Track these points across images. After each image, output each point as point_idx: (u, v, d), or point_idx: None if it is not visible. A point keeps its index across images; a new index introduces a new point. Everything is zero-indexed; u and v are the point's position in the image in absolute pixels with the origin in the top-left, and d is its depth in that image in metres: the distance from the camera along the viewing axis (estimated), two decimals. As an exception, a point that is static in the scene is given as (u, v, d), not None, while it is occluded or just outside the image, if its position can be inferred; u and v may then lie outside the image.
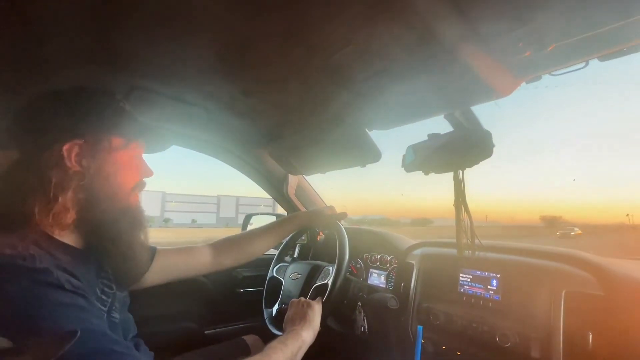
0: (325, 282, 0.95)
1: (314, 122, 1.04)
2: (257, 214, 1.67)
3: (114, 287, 0.59)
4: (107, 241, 0.57)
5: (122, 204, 0.58)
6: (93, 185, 0.54)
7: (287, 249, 1.24)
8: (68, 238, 0.53)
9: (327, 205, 1.23)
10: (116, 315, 0.56)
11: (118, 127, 0.58)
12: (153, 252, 0.77)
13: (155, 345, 0.78)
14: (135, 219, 0.61)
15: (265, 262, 1.27)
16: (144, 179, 0.64)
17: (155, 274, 0.77)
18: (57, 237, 0.51)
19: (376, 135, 1.02)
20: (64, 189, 0.51)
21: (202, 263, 0.86)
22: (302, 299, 0.86)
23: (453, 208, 0.83)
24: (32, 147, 0.52)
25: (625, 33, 0.54)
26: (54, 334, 0.39)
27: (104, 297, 0.55)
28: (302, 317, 0.78)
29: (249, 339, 1.05)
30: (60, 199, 0.50)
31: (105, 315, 0.54)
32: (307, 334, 0.73)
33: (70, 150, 0.52)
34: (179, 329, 1.21)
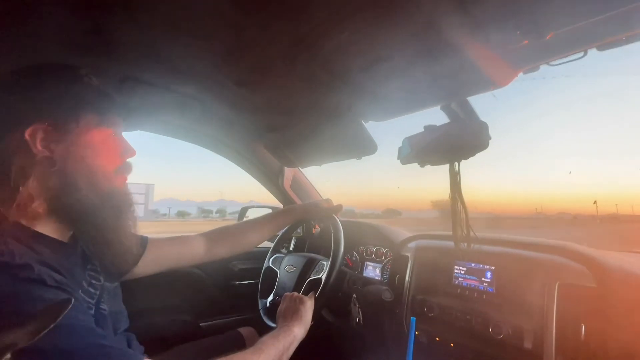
0: (319, 276, 0.95)
1: (309, 114, 1.03)
2: (253, 206, 1.66)
3: (102, 278, 0.58)
4: (91, 229, 0.53)
5: (104, 189, 0.53)
6: (65, 170, 0.50)
7: (282, 242, 1.24)
8: (48, 229, 0.51)
9: (324, 198, 1.22)
10: (105, 307, 0.55)
11: (87, 104, 0.54)
12: (145, 242, 0.76)
13: (151, 337, 0.78)
14: (120, 205, 0.56)
15: (261, 255, 1.27)
16: (127, 160, 0.60)
17: (148, 264, 0.76)
18: (38, 229, 0.49)
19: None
20: (27, 177, 0.47)
21: (195, 253, 0.86)
22: (295, 293, 0.86)
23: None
24: None
25: (624, 21, 0.52)
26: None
27: (91, 289, 0.54)
28: (294, 312, 0.78)
29: (245, 331, 1.05)
30: (22, 189, 0.47)
31: (94, 308, 0.53)
32: (299, 329, 0.74)
33: (34, 135, 0.48)
34: (175, 321, 1.21)
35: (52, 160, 0.49)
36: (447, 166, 0.82)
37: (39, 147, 0.48)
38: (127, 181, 0.60)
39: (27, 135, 0.48)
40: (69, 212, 0.51)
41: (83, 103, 0.53)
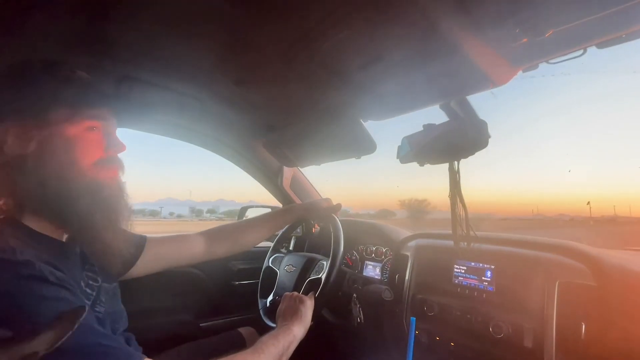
0: (319, 276, 0.95)
1: (308, 113, 1.03)
2: (252, 206, 1.66)
3: (100, 279, 0.58)
4: (74, 228, 0.52)
5: (80, 183, 0.51)
6: (39, 167, 0.49)
7: (282, 241, 1.24)
8: (46, 229, 0.51)
9: (323, 197, 1.22)
10: (100, 309, 0.55)
11: (60, 98, 0.52)
12: (143, 241, 0.76)
13: (151, 337, 0.78)
14: (104, 199, 0.54)
15: (261, 255, 1.26)
16: (113, 155, 0.57)
17: (147, 263, 0.76)
18: (35, 228, 0.50)
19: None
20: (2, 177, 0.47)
21: (194, 252, 0.86)
22: (295, 293, 0.85)
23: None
24: None
25: (624, 19, 0.52)
26: (40, 328, 0.38)
27: (88, 290, 0.54)
28: (294, 312, 0.78)
29: (245, 331, 1.05)
30: None
31: (90, 310, 0.53)
32: (298, 329, 0.73)
33: (4, 134, 0.48)
34: (175, 321, 1.21)
35: (25, 157, 0.49)
36: (445, 165, 0.82)
37: (11, 145, 0.48)
38: (118, 177, 0.58)
39: None
40: (51, 208, 0.50)
41: (55, 98, 0.52)
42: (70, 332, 0.36)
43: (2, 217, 0.47)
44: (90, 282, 0.56)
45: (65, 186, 0.50)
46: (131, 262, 0.72)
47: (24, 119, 0.49)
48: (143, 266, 0.75)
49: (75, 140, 0.52)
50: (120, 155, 0.59)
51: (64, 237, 0.54)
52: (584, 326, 0.65)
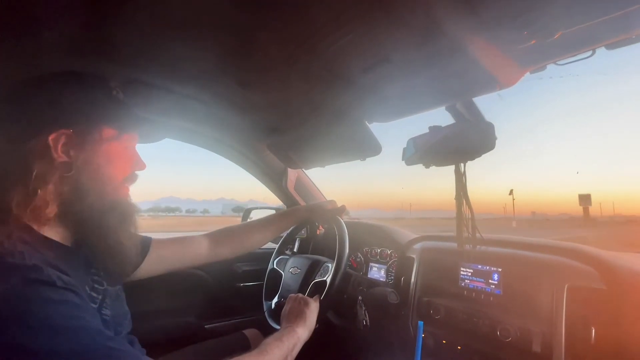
0: (324, 279, 0.94)
1: (313, 115, 1.03)
2: (256, 207, 1.66)
3: (105, 283, 0.58)
4: (94, 237, 0.55)
5: (111, 198, 0.55)
6: (80, 177, 0.51)
7: (287, 243, 1.24)
8: (53, 233, 0.52)
9: (328, 199, 1.21)
10: (107, 312, 0.55)
11: (110, 116, 0.56)
12: (148, 242, 0.77)
13: (155, 339, 0.78)
14: (124, 214, 0.58)
15: (265, 256, 1.26)
16: (136, 172, 0.62)
17: (151, 265, 0.76)
18: (43, 232, 0.50)
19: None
20: (46, 182, 0.49)
21: (198, 253, 0.86)
22: (300, 295, 0.85)
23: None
24: (16, 137, 0.50)
25: (633, 20, 0.52)
26: (47, 332, 0.38)
27: (93, 294, 0.54)
28: (298, 314, 0.78)
29: (249, 332, 1.05)
30: (40, 192, 0.48)
31: (97, 313, 0.53)
32: (303, 331, 0.73)
33: (57, 140, 0.50)
34: (179, 323, 1.21)
35: (69, 166, 0.51)
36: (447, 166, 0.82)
37: (60, 152, 0.50)
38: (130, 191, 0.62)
39: (50, 140, 0.49)
40: (76, 217, 0.52)
41: (107, 115, 0.55)
42: (61, 326, 0.37)
43: (11, 222, 0.47)
44: (96, 285, 0.56)
45: (100, 199, 0.53)
46: (136, 263, 0.72)
47: (76, 129, 0.51)
48: (147, 268, 0.75)
49: (116, 157, 0.56)
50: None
51: (69, 242, 0.55)
52: (593, 330, 0.64)
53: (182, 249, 0.84)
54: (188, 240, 0.86)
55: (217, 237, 0.91)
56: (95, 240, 0.55)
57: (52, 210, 0.49)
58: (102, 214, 0.54)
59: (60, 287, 0.43)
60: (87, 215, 0.53)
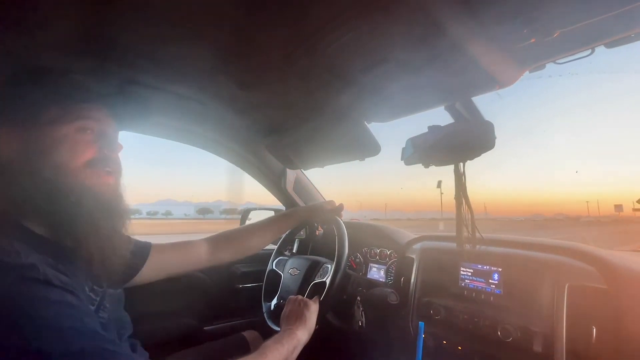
0: (324, 280, 0.94)
1: (312, 115, 1.02)
2: (255, 208, 1.65)
3: (104, 285, 0.58)
4: (77, 229, 0.51)
5: (71, 184, 0.50)
6: (28, 168, 0.49)
7: (286, 244, 1.23)
8: (52, 234, 0.51)
9: (327, 200, 1.21)
10: (104, 315, 0.54)
11: (48, 99, 0.52)
12: (148, 248, 0.76)
13: (154, 342, 0.77)
14: (98, 201, 0.52)
15: (264, 258, 1.26)
16: (108, 155, 0.56)
17: (152, 270, 0.76)
18: (37, 231, 0.50)
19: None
20: (8, 181, 0.48)
21: (198, 258, 0.85)
22: (300, 297, 0.85)
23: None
24: None
25: (632, 18, 0.51)
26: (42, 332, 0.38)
27: (92, 295, 0.54)
28: (298, 316, 0.77)
29: (249, 334, 1.05)
30: (10, 191, 0.47)
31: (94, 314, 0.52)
32: (302, 333, 0.73)
33: (6, 137, 0.49)
34: (178, 325, 1.20)
35: (15, 160, 0.49)
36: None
37: (9, 148, 0.49)
38: (116, 180, 0.58)
39: None
40: (46, 211, 0.50)
41: (44, 100, 0.52)
42: (58, 327, 0.36)
43: (7, 221, 0.47)
44: (95, 287, 0.55)
45: (55, 187, 0.49)
46: (136, 269, 0.72)
47: (13, 121, 0.50)
48: (148, 273, 0.75)
49: (64, 141, 0.52)
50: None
51: (67, 242, 0.54)
52: (594, 330, 0.64)
53: (182, 254, 0.84)
54: (188, 245, 0.85)
55: (217, 241, 0.91)
56: (78, 235, 0.51)
57: (29, 207, 0.48)
58: (63, 202, 0.50)
59: (57, 286, 0.42)
60: (51, 207, 0.49)
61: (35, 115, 0.51)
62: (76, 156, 0.52)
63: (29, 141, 0.50)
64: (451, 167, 0.83)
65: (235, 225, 1.17)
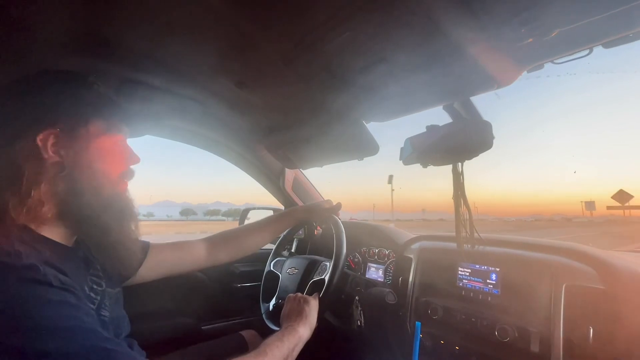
0: (322, 277, 0.94)
1: (310, 115, 1.02)
2: (254, 208, 1.65)
3: (104, 284, 0.58)
4: (95, 234, 0.54)
5: (108, 195, 0.55)
6: (74, 175, 0.51)
7: (284, 243, 1.23)
8: (53, 234, 0.51)
9: (325, 199, 1.21)
10: (106, 313, 0.55)
11: (96, 111, 0.55)
12: (146, 247, 0.76)
13: (152, 341, 0.77)
14: (124, 210, 0.58)
15: (263, 257, 1.26)
16: (131, 167, 0.61)
17: (149, 270, 0.76)
18: (41, 232, 0.50)
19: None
20: (38, 182, 0.48)
21: (197, 258, 0.85)
22: (299, 294, 0.85)
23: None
24: (4, 140, 0.49)
25: (630, 18, 0.51)
26: (42, 332, 0.38)
27: (92, 294, 0.54)
28: (298, 312, 0.77)
29: (247, 334, 1.04)
30: (33, 193, 0.47)
31: (94, 314, 0.53)
32: (304, 330, 0.72)
33: (45, 140, 0.49)
34: (176, 324, 1.20)
35: (62, 165, 0.50)
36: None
37: (50, 152, 0.49)
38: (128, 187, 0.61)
39: (38, 141, 0.49)
40: (74, 216, 0.52)
41: (91, 109, 0.55)
42: (57, 326, 0.37)
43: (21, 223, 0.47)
44: (95, 286, 0.55)
45: (97, 196, 0.53)
46: (135, 267, 0.72)
47: (63, 127, 0.51)
48: (146, 272, 0.75)
49: (107, 152, 0.56)
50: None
51: (70, 242, 0.54)
52: (591, 330, 0.64)
53: (181, 254, 0.83)
54: (186, 245, 0.85)
55: (216, 241, 0.90)
56: (96, 238, 0.55)
57: (49, 210, 0.49)
58: (101, 211, 0.53)
59: (57, 286, 0.42)
60: (85, 214, 0.52)
61: (85, 124, 0.53)
62: (116, 167, 0.57)
63: (78, 149, 0.52)
64: (447, 167, 0.82)
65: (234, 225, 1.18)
